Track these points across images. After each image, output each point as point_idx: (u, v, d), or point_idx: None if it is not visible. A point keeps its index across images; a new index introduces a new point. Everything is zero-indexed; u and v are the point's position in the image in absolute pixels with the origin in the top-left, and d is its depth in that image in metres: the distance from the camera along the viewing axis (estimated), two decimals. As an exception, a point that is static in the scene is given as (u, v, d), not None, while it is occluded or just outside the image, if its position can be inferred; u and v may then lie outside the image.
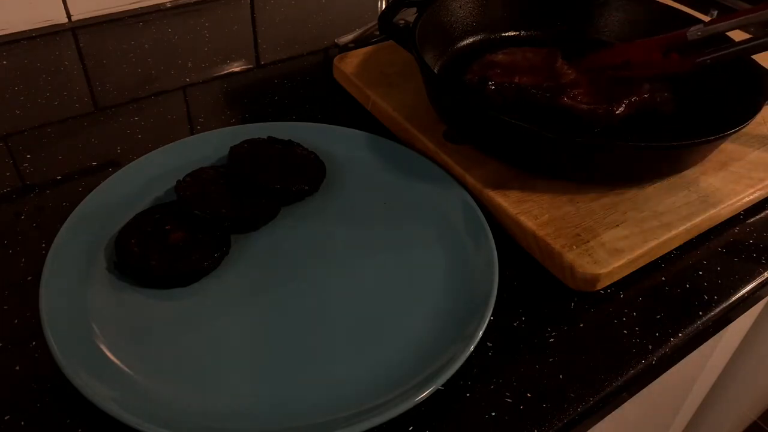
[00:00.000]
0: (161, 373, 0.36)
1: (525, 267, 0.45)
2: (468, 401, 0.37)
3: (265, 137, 0.52)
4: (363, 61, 0.62)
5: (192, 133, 0.57)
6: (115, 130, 0.57)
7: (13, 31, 0.69)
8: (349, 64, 0.62)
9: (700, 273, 0.46)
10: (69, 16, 0.72)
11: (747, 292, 0.45)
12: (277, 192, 0.47)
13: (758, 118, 0.54)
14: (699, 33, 0.52)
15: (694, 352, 0.45)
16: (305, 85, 0.65)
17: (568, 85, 0.54)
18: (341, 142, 0.53)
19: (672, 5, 0.65)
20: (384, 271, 0.44)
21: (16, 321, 0.40)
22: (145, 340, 0.38)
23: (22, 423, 0.35)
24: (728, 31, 0.51)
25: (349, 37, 0.71)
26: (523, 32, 0.65)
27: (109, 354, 0.37)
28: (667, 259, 0.47)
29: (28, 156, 0.53)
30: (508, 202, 0.46)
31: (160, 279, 0.41)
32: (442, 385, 0.37)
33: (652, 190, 0.49)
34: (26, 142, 0.55)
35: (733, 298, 0.44)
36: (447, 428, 0.35)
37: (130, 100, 0.61)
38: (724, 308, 0.44)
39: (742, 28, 0.52)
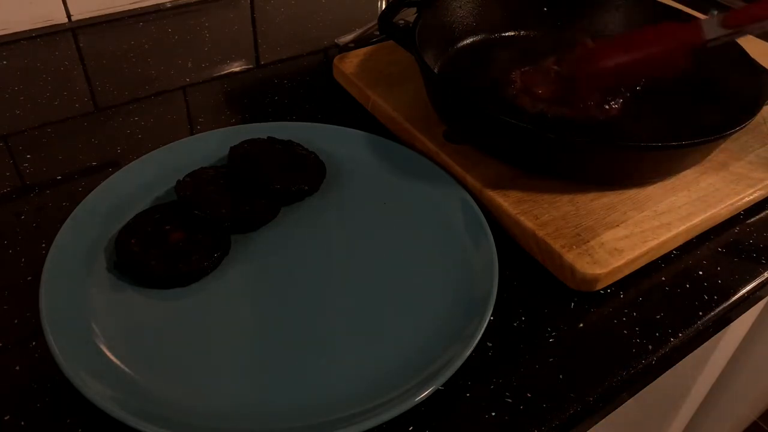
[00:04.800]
0: (161, 373, 0.36)
1: (525, 267, 0.45)
2: (468, 401, 0.37)
3: (265, 137, 0.52)
4: (363, 61, 0.62)
5: (192, 133, 0.57)
6: (115, 130, 0.57)
7: (13, 31, 0.69)
8: (349, 64, 0.62)
9: (700, 273, 0.46)
10: (69, 16, 0.72)
11: (747, 292, 0.45)
12: (277, 192, 0.47)
13: (758, 118, 0.54)
14: (716, 39, 0.49)
15: (694, 352, 0.45)
16: (305, 85, 0.65)
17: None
18: (341, 142, 0.53)
19: (672, 5, 0.65)
20: (384, 271, 0.44)
21: (16, 321, 0.40)
22: (145, 340, 0.38)
23: (22, 423, 0.35)
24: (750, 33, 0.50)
25: (349, 37, 0.71)
26: (523, 32, 0.65)
27: (109, 354, 0.37)
28: (667, 259, 0.47)
29: (28, 156, 0.53)
30: (508, 202, 0.46)
31: (160, 279, 0.41)
32: (442, 385, 0.37)
33: (652, 189, 0.49)
34: (26, 142, 0.55)
35: (733, 298, 0.44)
36: (447, 428, 0.35)
37: (130, 100, 0.61)
38: (724, 308, 0.44)
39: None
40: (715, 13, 0.49)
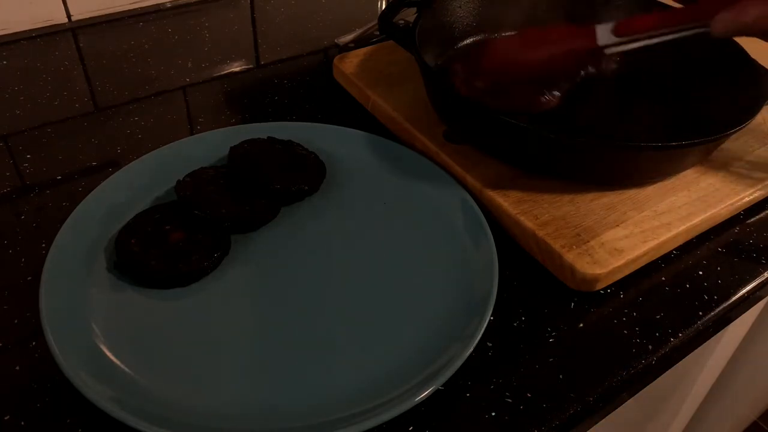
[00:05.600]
0: (161, 373, 0.36)
1: (525, 267, 0.45)
2: (468, 401, 0.37)
3: (265, 137, 0.52)
4: (363, 61, 0.62)
5: (192, 133, 0.57)
6: (115, 130, 0.57)
7: (13, 31, 0.69)
8: (349, 64, 0.62)
9: (700, 273, 0.46)
10: (69, 16, 0.72)
11: (747, 292, 0.45)
12: (277, 192, 0.47)
13: (758, 118, 0.54)
14: (613, 49, 0.49)
15: (694, 352, 0.45)
16: (305, 85, 0.65)
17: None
18: (341, 142, 0.53)
19: (673, 5, 0.65)
20: (384, 271, 0.44)
21: (16, 321, 0.40)
22: (145, 340, 0.38)
23: (22, 423, 0.35)
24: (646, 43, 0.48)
25: (349, 37, 0.71)
26: (522, 32, 0.65)
27: (109, 354, 0.37)
28: (667, 259, 0.47)
29: (28, 156, 0.53)
30: (508, 202, 0.46)
31: (160, 279, 0.41)
32: (442, 385, 0.37)
33: (652, 189, 0.49)
34: (26, 142, 0.55)
35: (733, 298, 0.44)
36: (447, 428, 0.35)
37: (130, 100, 0.61)
38: (724, 308, 0.44)
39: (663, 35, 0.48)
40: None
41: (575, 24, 0.52)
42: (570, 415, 0.37)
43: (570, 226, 0.45)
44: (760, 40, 0.69)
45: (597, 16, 0.65)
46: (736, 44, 0.55)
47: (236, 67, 0.67)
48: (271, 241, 0.45)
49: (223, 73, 0.66)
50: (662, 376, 0.42)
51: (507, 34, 0.64)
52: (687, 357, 0.44)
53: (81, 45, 0.69)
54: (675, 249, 0.47)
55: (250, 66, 0.68)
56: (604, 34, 0.49)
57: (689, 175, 0.50)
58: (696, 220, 0.46)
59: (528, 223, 0.45)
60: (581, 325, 0.42)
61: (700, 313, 0.43)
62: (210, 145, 0.51)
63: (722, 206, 0.48)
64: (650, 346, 0.40)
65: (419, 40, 0.52)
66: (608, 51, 0.49)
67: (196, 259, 0.42)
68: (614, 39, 0.48)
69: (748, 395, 1.13)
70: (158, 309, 0.40)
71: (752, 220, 0.50)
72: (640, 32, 0.48)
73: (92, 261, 0.42)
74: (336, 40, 0.72)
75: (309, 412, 0.35)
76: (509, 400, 0.37)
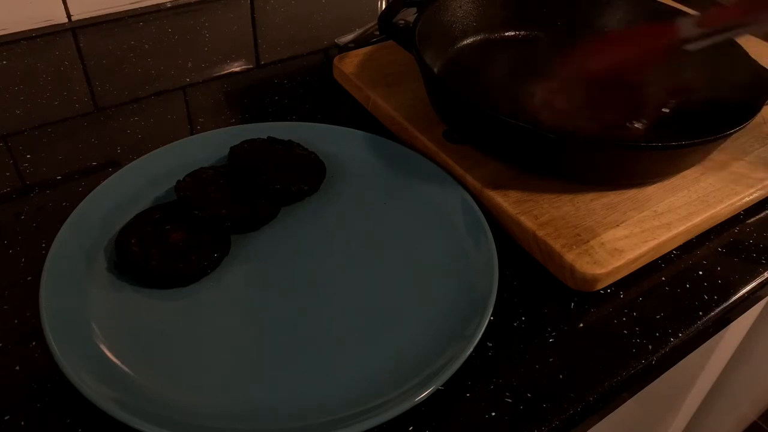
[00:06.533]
0: (161, 373, 0.36)
1: (525, 267, 0.45)
2: (468, 401, 0.37)
3: (265, 137, 0.52)
4: (363, 61, 0.62)
5: (192, 133, 0.57)
6: (115, 130, 0.57)
7: (13, 31, 0.69)
8: (349, 64, 0.62)
9: (700, 273, 0.46)
10: (69, 16, 0.72)
11: (747, 292, 0.45)
12: (277, 192, 0.47)
13: (758, 118, 0.54)
14: (694, 40, 0.49)
15: (694, 352, 0.45)
16: (305, 85, 0.65)
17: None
18: (341, 142, 0.53)
19: (673, 5, 0.65)
20: (384, 271, 0.44)
21: (16, 321, 0.40)
22: (144, 340, 0.38)
23: (22, 423, 0.35)
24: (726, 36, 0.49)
25: (349, 37, 0.71)
26: (523, 32, 0.65)
27: (109, 354, 0.37)
28: (667, 259, 0.47)
29: (28, 156, 0.53)
30: (508, 202, 0.46)
31: (160, 279, 0.41)
32: (442, 385, 0.37)
33: (652, 189, 0.49)
34: (26, 142, 0.55)
35: (733, 298, 0.44)
36: (447, 428, 0.35)
37: (130, 100, 0.61)
38: (724, 308, 0.44)
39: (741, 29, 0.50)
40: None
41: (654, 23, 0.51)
42: (570, 415, 0.37)
43: (570, 226, 0.45)
44: (760, 40, 0.69)
45: (597, 15, 0.65)
46: (737, 44, 0.55)
47: (236, 67, 0.67)
48: (271, 241, 0.45)
49: (223, 73, 0.66)
50: (662, 376, 0.42)
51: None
52: (687, 357, 0.44)
53: (81, 45, 0.69)
54: (675, 249, 0.47)
55: (250, 66, 0.68)
56: (687, 27, 0.48)
57: (689, 175, 0.50)
58: (696, 220, 0.46)
59: (528, 223, 0.45)
60: (581, 325, 0.42)
61: (700, 313, 0.43)
62: (210, 145, 0.52)
63: (722, 206, 0.48)
64: (650, 346, 0.40)
65: (419, 40, 0.52)
66: (690, 47, 0.49)
67: (196, 259, 0.42)
68: (698, 31, 0.48)
69: (748, 395, 1.13)
70: (158, 309, 0.40)
71: (752, 220, 0.50)
72: (725, 23, 0.47)
73: (92, 261, 0.42)
74: (336, 40, 0.72)
75: (309, 412, 0.35)
76: (509, 400, 0.37)
